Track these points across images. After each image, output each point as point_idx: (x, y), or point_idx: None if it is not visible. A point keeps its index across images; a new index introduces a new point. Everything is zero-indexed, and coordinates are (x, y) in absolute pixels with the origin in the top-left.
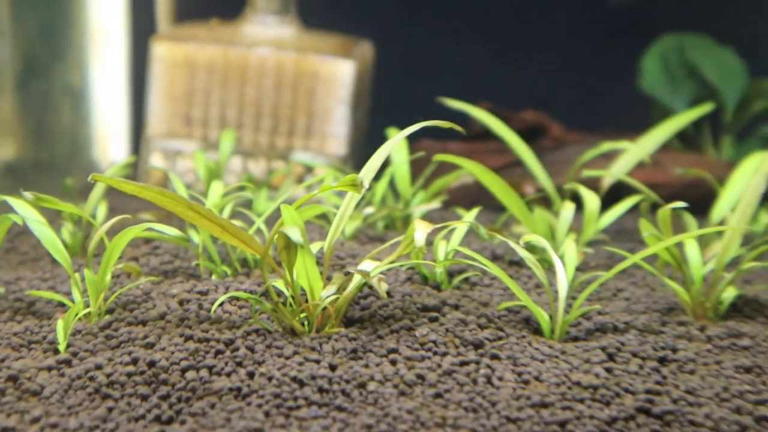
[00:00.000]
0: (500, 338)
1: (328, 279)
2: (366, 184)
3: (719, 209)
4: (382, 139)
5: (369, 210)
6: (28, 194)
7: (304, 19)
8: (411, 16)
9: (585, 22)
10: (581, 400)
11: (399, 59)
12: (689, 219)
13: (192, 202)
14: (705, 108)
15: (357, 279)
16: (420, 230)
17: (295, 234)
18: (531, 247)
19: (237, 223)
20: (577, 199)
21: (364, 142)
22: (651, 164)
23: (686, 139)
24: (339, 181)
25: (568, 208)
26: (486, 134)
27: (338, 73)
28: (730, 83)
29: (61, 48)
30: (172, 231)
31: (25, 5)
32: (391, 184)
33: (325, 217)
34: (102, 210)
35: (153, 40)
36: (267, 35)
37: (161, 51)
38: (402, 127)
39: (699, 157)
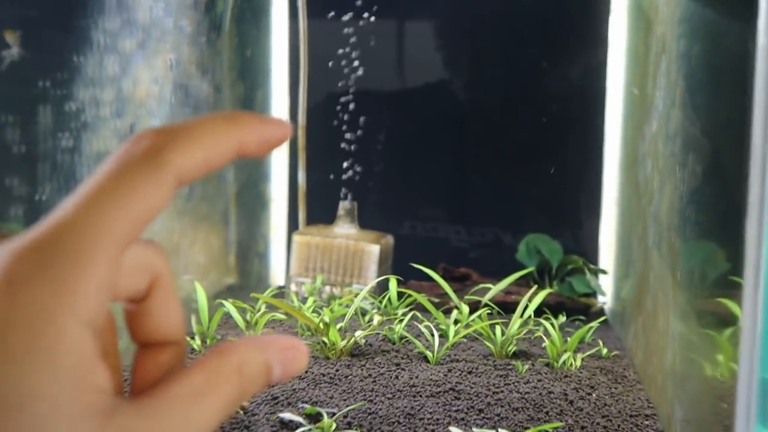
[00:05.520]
0: (409, 363)
1: (344, 337)
2: (356, 302)
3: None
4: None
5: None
6: (228, 302)
7: (363, 224)
8: (412, 220)
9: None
10: (429, 385)
11: (402, 243)
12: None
13: (290, 305)
14: (529, 270)
15: (353, 338)
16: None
17: (326, 319)
18: (438, 329)
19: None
20: (474, 310)
21: (387, 279)
22: (515, 292)
23: (536, 281)
24: (334, 303)
25: (455, 313)
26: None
27: (372, 250)
28: (555, 256)
29: (254, 233)
30: (273, 314)
31: (241, 211)
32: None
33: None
34: (263, 307)
35: (293, 234)
36: (343, 232)
37: (296, 238)
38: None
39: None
